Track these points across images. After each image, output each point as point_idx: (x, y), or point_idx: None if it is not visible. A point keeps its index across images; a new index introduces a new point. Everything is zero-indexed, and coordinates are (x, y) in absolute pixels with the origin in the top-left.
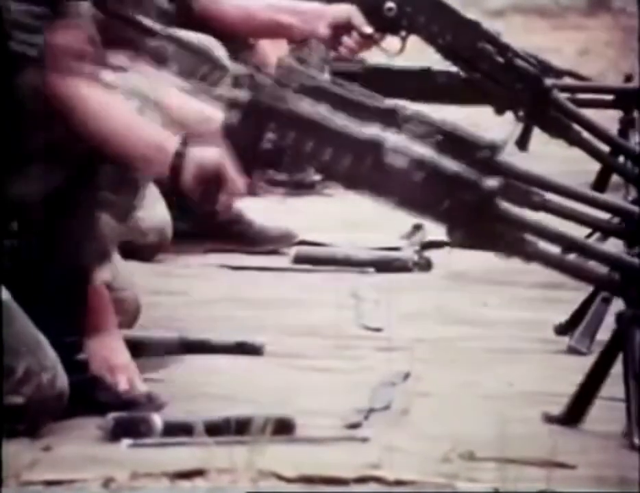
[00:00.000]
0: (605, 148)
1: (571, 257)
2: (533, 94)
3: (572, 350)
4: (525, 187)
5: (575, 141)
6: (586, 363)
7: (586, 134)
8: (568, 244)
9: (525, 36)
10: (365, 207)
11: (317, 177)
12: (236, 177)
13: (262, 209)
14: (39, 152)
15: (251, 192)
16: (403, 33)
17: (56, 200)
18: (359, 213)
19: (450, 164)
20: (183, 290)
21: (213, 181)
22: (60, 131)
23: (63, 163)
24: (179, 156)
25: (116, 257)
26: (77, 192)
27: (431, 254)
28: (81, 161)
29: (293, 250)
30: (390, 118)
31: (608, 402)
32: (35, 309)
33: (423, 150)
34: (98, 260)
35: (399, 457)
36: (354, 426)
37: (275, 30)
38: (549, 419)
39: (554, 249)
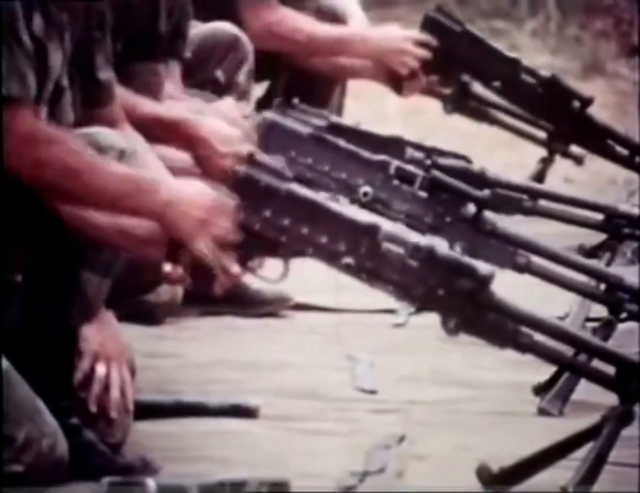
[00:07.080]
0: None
1: (568, 351)
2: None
3: (542, 412)
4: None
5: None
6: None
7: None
8: (563, 336)
9: None
10: None
11: None
12: (233, 266)
13: None
14: (22, 218)
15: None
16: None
17: (35, 261)
18: None
19: (447, 251)
20: (179, 353)
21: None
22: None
23: (43, 224)
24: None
25: (112, 320)
26: (55, 251)
27: (425, 315)
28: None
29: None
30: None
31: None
32: (25, 375)
33: (419, 238)
34: (83, 319)
35: None
36: (349, 489)
37: None
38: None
39: (550, 342)
